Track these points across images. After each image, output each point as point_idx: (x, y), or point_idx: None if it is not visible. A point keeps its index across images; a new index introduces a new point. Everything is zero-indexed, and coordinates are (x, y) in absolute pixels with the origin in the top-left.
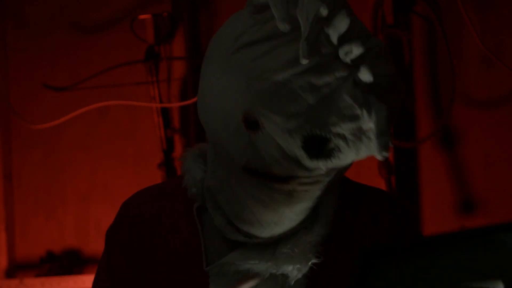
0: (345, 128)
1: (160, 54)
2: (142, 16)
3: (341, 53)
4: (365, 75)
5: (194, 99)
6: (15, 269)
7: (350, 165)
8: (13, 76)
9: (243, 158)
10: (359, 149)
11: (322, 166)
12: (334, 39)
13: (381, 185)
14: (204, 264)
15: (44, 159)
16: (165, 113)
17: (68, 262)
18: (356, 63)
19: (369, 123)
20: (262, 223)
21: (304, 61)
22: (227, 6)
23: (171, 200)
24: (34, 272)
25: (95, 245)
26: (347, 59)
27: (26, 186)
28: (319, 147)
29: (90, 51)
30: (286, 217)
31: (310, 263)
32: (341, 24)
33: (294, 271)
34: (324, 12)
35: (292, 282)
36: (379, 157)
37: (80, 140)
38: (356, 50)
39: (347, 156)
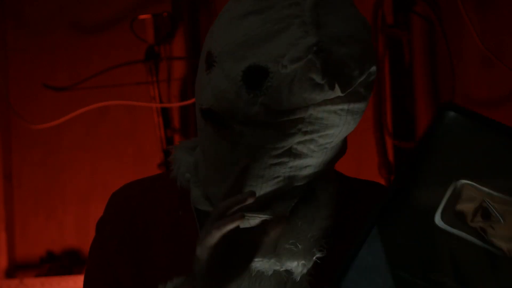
0: (280, 57)
1: (160, 54)
2: (142, 16)
3: None
4: (308, 3)
5: (194, 99)
6: (15, 269)
7: (313, 155)
8: (13, 76)
9: (200, 98)
10: (292, 83)
11: (258, 98)
12: None
13: None
14: None
15: (44, 159)
16: (165, 113)
17: (68, 262)
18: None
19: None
20: (220, 184)
21: None
22: None
23: (162, 190)
24: (34, 272)
25: None
26: None
27: (26, 186)
28: (259, 82)
29: (90, 51)
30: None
31: (314, 258)
32: None
33: (299, 267)
34: None
35: (298, 278)
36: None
37: (80, 140)
38: None
39: (280, 89)
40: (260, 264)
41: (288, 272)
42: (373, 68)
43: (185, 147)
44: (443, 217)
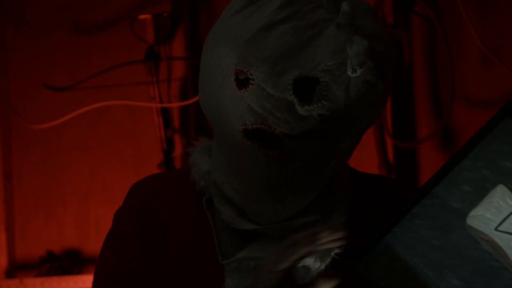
0: (331, 65)
1: (160, 54)
2: (142, 16)
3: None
4: (344, 6)
5: (194, 99)
6: (15, 269)
7: (348, 149)
8: (13, 76)
9: (239, 120)
10: (348, 85)
11: (314, 111)
12: None
13: None
14: (219, 257)
15: (44, 159)
16: (165, 113)
17: (68, 262)
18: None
19: (349, 69)
20: (265, 202)
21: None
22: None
23: (181, 190)
24: (34, 272)
25: (95, 245)
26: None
27: (26, 186)
28: (309, 93)
29: (90, 51)
30: (288, 193)
31: (332, 253)
32: None
33: (316, 262)
34: None
35: (315, 274)
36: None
37: (80, 140)
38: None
39: (337, 97)
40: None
41: (306, 268)
42: (397, 55)
43: (200, 148)
44: (474, 220)
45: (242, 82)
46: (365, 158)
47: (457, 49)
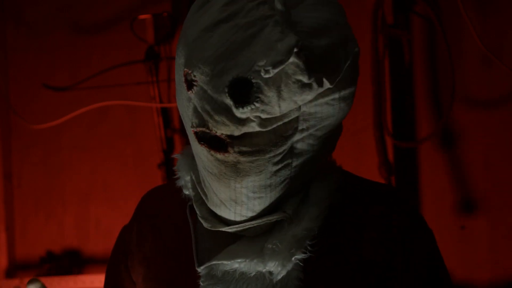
0: (261, 66)
1: (160, 54)
2: (142, 16)
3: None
4: (277, 4)
5: None
6: (15, 269)
7: (315, 149)
8: (13, 76)
9: (189, 121)
10: (280, 88)
11: (249, 113)
12: None
13: None
14: (196, 264)
15: (44, 159)
16: (165, 113)
17: (68, 262)
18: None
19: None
20: (224, 203)
21: None
22: None
23: (176, 198)
24: (34, 272)
25: (95, 245)
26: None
27: (26, 186)
28: (246, 95)
29: (90, 51)
30: (243, 194)
31: (293, 258)
32: None
33: (277, 267)
34: None
35: (277, 279)
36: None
37: (80, 140)
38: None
39: (270, 98)
40: (243, 265)
41: (272, 274)
42: (356, 49)
43: (184, 155)
44: None
45: (189, 83)
46: (365, 158)
47: (457, 49)
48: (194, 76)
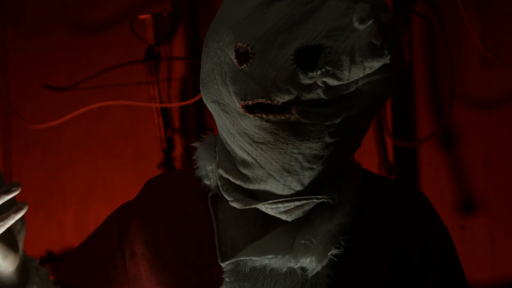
0: (334, 30)
1: (160, 54)
2: (142, 16)
3: None
4: None
5: (194, 99)
6: None
7: (358, 131)
8: (13, 76)
9: (239, 95)
10: (352, 48)
11: (319, 78)
12: None
13: None
14: (219, 258)
15: (44, 159)
16: (165, 113)
17: None
18: None
19: (355, 23)
20: (273, 175)
21: None
22: None
23: (191, 187)
24: None
25: None
26: None
27: (26, 186)
28: (313, 61)
29: (90, 51)
30: (298, 162)
31: (329, 254)
32: None
33: (312, 263)
34: None
35: (311, 275)
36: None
37: (79, 140)
38: None
39: (342, 62)
40: (274, 261)
41: (304, 270)
42: (402, 34)
43: (205, 144)
44: None
45: (243, 57)
46: (365, 158)
47: (457, 49)
48: (251, 48)
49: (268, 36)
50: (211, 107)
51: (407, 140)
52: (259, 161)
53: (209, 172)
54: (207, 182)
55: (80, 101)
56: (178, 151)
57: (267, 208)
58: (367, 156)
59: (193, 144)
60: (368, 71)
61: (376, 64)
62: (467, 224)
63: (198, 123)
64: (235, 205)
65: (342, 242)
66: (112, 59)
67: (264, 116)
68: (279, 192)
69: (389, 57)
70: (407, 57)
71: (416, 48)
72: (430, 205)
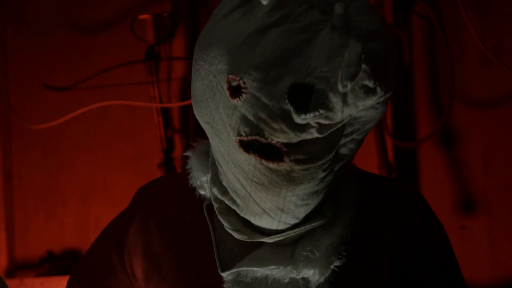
0: (327, 72)
1: (160, 54)
2: (142, 16)
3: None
4: (337, 8)
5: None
6: (15, 269)
7: (353, 153)
8: (13, 76)
9: (234, 130)
10: (346, 94)
11: (311, 120)
12: None
13: None
14: (219, 268)
15: (44, 159)
16: (165, 113)
17: (68, 262)
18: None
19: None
20: (268, 212)
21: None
22: None
23: (185, 196)
24: (34, 272)
25: None
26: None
27: (26, 186)
28: (305, 100)
29: (90, 51)
30: (291, 203)
31: (332, 266)
32: None
33: (315, 275)
34: None
35: (315, 287)
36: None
37: (80, 140)
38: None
39: (334, 104)
40: (276, 272)
41: (306, 281)
42: (397, 51)
43: (197, 153)
44: None
45: (235, 91)
46: (365, 158)
47: (457, 49)
48: (244, 83)
49: (261, 71)
50: (204, 127)
51: (407, 140)
52: (254, 197)
53: (204, 183)
54: (202, 192)
55: (80, 101)
56: (178, 151)
57: (267, 240)
58: (367, 156)
59: (185, 154)
60: (361, 108)
61: (370, 102)
62: (467, 224)
63: (198, 123)
64: (234, 234)
65: (343, 253)
66: (112, 59)
67: (257, 159)
68: (274, 227)
69: (383, 93)
70: (407, 57)
71: (416, 48)
72: (427, 204)
